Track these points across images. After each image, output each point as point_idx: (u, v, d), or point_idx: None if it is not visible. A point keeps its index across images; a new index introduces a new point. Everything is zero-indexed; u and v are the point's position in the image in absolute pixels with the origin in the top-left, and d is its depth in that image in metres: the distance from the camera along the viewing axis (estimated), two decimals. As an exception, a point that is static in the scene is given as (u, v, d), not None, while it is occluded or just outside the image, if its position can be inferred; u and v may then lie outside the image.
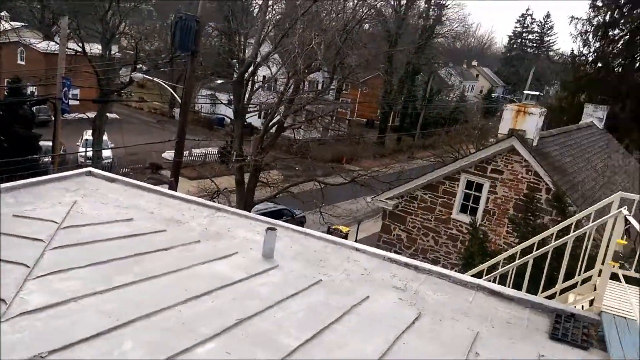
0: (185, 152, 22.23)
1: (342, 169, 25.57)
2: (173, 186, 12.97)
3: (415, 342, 4.10)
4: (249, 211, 17.00)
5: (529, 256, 6.18)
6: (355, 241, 22.47)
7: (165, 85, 19.13)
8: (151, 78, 19.81)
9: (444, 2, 51.50)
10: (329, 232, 23.07)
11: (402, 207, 15.72)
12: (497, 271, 6.63)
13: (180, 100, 15.26)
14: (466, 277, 6.06)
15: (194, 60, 13.32)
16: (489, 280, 6.57)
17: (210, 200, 17.83)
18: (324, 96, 24.48)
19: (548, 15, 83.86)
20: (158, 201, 6.20)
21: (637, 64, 26.32)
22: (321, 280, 4.87)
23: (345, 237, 22.73)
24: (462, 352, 4.10)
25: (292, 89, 19.37)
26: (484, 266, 6.95)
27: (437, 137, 39.82)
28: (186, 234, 5.35)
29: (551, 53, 74.82)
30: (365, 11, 22.64)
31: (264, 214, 25.42)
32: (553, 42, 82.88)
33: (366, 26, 29.83)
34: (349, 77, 25.17)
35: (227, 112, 25.62)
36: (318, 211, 20.10)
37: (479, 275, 6.88)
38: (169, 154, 26.54)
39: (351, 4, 22.22)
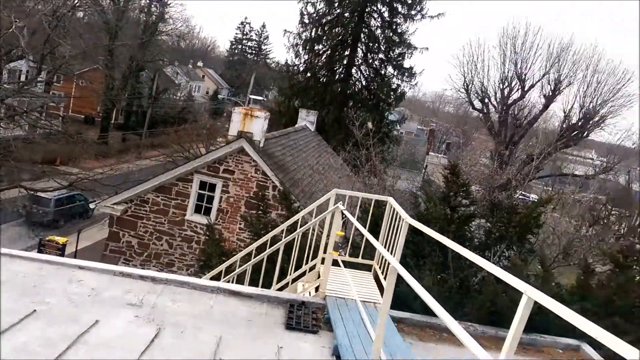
0: None
1: (56, 172, 22.41)
2: None
3: (158, 362, 3.82)
4: None
5: (263, 253, 6.50)
6: (75, 252, 20.05)
7: None
8: None
9: (166, 0, 50.61)
10: (40, 245, 19.87)
11: (132, 212, 14.74)
12: (235, 271, 6.77)
13: None
14: (205, 281, 6.00)
15: None
16: (228, 281, 6.67)
17: None
18: (29, 88, 21.00)
19: (264, 26, 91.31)
20: None
21: (337, 76, 30.92)
22: (35, 311, 4.09)
23: (62, 249, 20.01)
24: (207, 361, 4.01)
25: (-14, 77, 15.95)
26: (222, 267, 7.01)
27: (167, 137, 38.91)
28: None
29: (268, 60, 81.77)
30: (79, -3, 20.46)
31: (56, 200, 21.84)
32: (269, 51, 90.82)
33: (81, 14, 26.98)
34: (62, 69, 22.27)
35: None
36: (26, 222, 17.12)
37: (218, 276, 6.90)
38: None
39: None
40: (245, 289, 5.73)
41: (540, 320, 5.71)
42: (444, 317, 2.66)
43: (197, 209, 14.58)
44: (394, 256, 5.81)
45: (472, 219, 7.56)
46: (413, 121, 69.57)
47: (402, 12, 29.83)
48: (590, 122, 28.46)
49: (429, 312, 3.95)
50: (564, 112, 29.26)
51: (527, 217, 7.05)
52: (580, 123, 28.57)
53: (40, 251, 17.50)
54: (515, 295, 2.94)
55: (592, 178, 29.85)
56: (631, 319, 6.09)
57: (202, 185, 14.46)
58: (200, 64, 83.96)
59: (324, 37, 30.13)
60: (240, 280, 6.87)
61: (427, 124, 70.88)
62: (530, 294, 2.76)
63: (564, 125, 28.88)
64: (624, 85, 27.55)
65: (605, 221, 31.18)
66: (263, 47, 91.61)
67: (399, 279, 5.48)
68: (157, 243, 14.71)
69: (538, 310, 2.74)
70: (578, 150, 38.07)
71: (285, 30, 30.84)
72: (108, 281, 5.08)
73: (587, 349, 5.66)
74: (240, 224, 13.63)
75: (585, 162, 40.90)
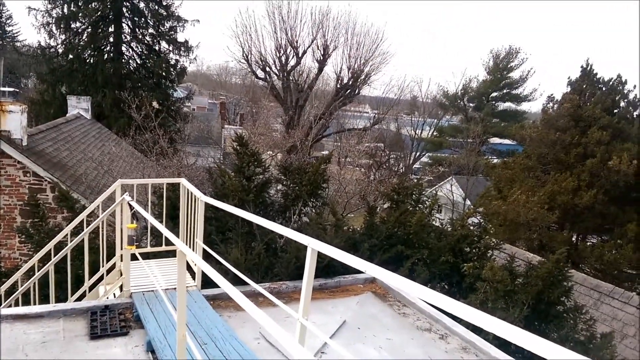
0: None
1: None
2: None
3: None
4: None
5: (48, 264, 5.76)
6: None
7: None
8: None
9: None
10: None
11: None
12: (18, 291, 5.88)
13: None
14: (-21, 313, 5.10)
15: None
16: (10, 305, 5.77)
17: None
18: None
19: (3, 4, 77.06)
20: None
21: (106, 56, 28.23)
22: None
23: None
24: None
25: None
26: (1, 290, 6.02)
27: None
28: None
29: (18, 44, 69.87)
30: None
31: None
32: (17, 33, 77.40)
33: None
34: None
35: None
36: None
37: (-5, 304, 5.93)
38: None
39: None
40: (33, 308, 5.04)
41: (340, 264, 6.32)
42: (225, 286, 2.73)
43: (-43, 231, 12.08)
44: (195, 237, 5.74)
45: (268, 185, 7.86)
46: (203, 96, 68.37)
47: (162, -18, 28.48)
48: (359, 80, 31.72)
49: (241, 282, 4.04)
50: (336, 74, 32.03)
51: (315, 175, 7.63)
52: (350, 82, 31.62)
53: None
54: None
55: (369, 130, 33.69)
56: (410, 245, 7.18)
57: (-44, 201, 11.98)
58: None
59: (80, 14, 26.89)
60: (29, 301, 6.00)
61: (217, 97, 70.46)
62: (313, 246, 3.03)
63: (338, 86, 31.65)
64: (378, 45, 31.28)
65: (386, 165, 35.86)
66: (7, 28, 77.69)
67: (208, 256, 5.45)
68: None
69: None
70: (355, 106, 42.40)
71: (29, 8, 26.68)
72: None
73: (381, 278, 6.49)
74: (20, 237, 11.77)
75: (363, 115, 45.89)
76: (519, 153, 23.54)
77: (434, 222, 7.87)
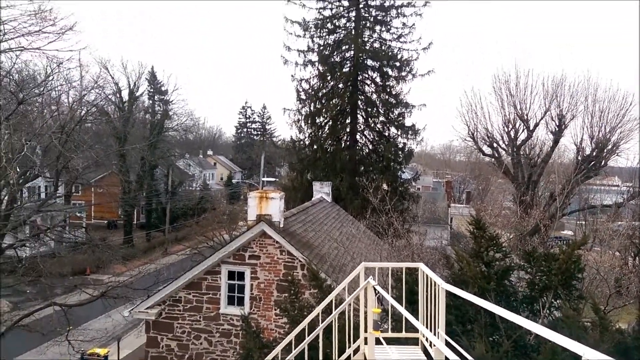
0: None
1: (87, 282, 22.50)
2: None
3: None
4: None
5: (304, 342, 6.30)
6: (118, 363, 19.68)
7: None
8: None
9: (168, 98, 53.40)
10: (83, 360, 19.67)
11: (167, 314, 14.53)
12: (279, 366, 6.54)
13: None
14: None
15: None
16: (273, 377, 6.43)
17: None
18: (50, 204, 21.71)
19: (265, 107, 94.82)
20: None
21: (343, 144, 31.43)
22: None
23: (105, 360, 19.88)
24: None
25: (6, 202, 16.71)
26: (265, 362, 6.79)
27: (189, 228, 39.40)
28: None
29: (274, 139, 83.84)
30: (85, 111, 21.87)
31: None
32: (274, 130, 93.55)
33: (89, 124, 28.46)
34: (78, 180, 23.16)
35: None
36: (65, 340, 16.90)
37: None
38: None
39: (67, 102, 21.24)
40: (292, 383, 5.51)
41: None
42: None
43: (230, 300, 14.34)
44: (437, 327, 5.59)
45: (509, 272, 7.33)
46: (427, 175, 69.72)
47: (393, 75, 30.66)
48: (605, 151, 28.22)
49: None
50: (576, 145, 29.18)
51: (567, 263, 6.81)
52: (594, 153, 28.35)
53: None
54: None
55: (622, 206, 29.13)
56: None
57: (231, 275, 14.33)
58: (210, 152, 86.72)
59: (323, 110, 30.86)
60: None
61: (442, 175, 70.93)
62: (589, 356, 2.59)
63: (579, 158, 28.65)
64: (627, 110, 27.57)
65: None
66: (267, 126, 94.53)
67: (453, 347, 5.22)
68: (196, 342, 14.34)
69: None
70: (601, 180, 37.37)
71: (284, 109, 31.93)
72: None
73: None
74: (275, 309, 13.34)
75: (612, 189, 40.05)
76: None
77: None
